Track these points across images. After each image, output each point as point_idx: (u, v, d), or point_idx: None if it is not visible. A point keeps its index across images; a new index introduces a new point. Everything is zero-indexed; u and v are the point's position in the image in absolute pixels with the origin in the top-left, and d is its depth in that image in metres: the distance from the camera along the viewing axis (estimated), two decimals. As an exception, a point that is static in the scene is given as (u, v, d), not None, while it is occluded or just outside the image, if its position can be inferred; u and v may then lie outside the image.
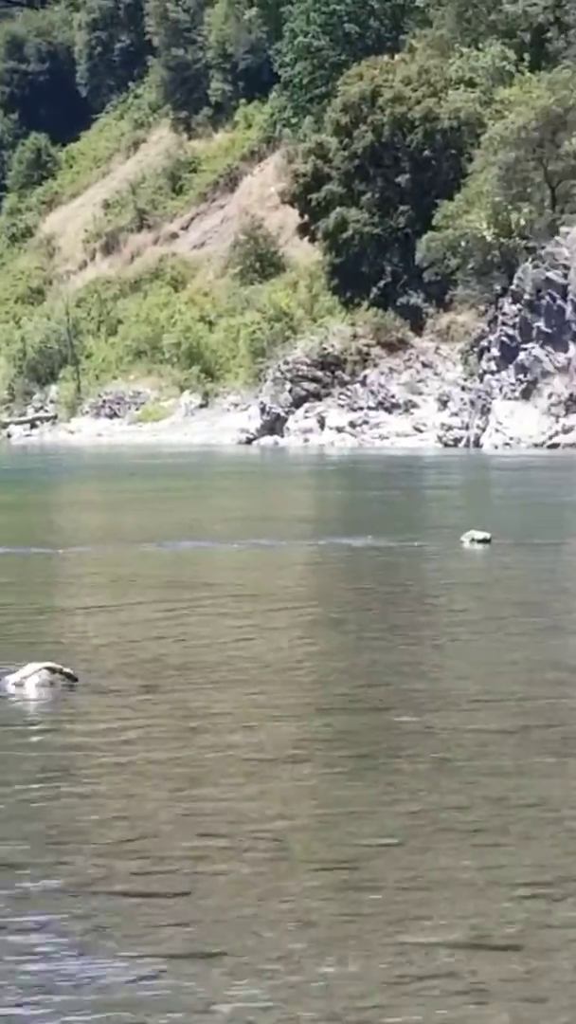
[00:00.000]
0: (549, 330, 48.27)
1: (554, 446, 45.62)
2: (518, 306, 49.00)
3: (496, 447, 47.55)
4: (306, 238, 60.23)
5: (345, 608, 12.86)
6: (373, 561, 16.67)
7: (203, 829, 4.92)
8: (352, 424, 52.36)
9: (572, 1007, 3.38)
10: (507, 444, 47.36)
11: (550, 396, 47.34)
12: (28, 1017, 3.31)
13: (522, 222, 49.97)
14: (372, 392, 53.36)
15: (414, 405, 52.17)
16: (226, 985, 3.74)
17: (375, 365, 53.67)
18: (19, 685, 7.75)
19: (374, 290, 54.76)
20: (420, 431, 50.99)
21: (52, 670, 7.84)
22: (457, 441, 49.36)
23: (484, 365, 50.63)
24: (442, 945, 3.97)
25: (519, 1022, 3.52)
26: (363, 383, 53.14)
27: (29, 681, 7.78)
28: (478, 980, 3.73)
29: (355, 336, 53.95)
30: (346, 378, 53.33)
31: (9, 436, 60.47)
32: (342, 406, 53.80)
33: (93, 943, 3.85)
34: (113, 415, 62.87)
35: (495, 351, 49.73)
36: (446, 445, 49.54)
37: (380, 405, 52.95)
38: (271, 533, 19.58)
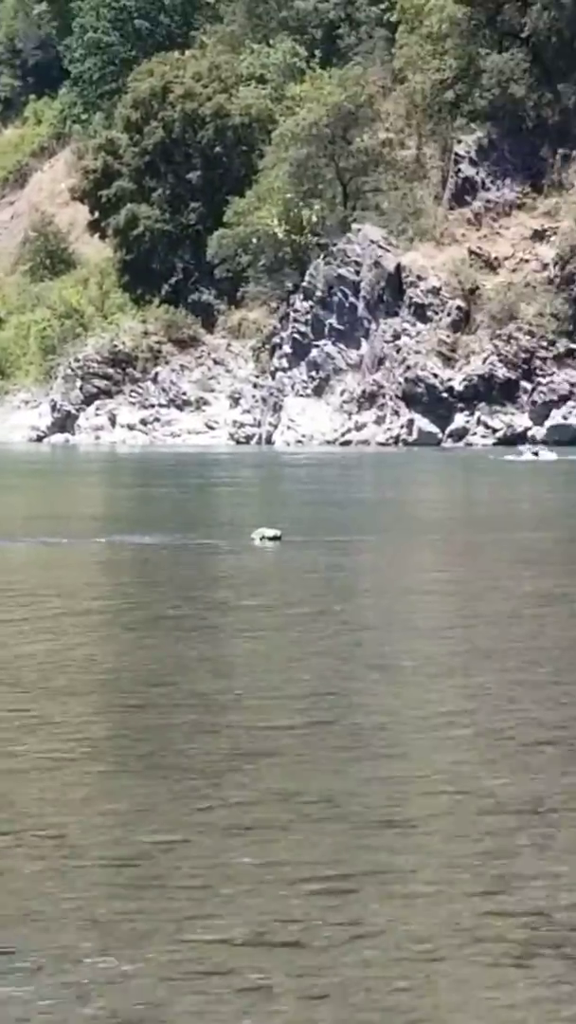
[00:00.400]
0: (341, 327, 49.77)
1: (346, 443, 47.03)
2: (310, 303, 50.36)
3: (288, 444, 48.48)
4: (96, 235, 61.77)
5: (132, 606, 12.61)
6: (162, 558, 16.51)
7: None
8: (143, 422, 54.22)
9: (352, 1004, 3.40)
10: (299, 441, 48.42)
11: (342, 393, 49.15)
12: None
13: (314, 219, 51.21)
14: (164, 389, 54.58)
15: (206, 402, 53.27)
16: (10, 983, 3.66)
17: (166, 362, 54.64)
18: None
19: (165, 287, 55.65)
20: (212, 428, 52.40)
21: None
22: (249, 438, 50.78)
23: (276, 362, 52.41)
24: (225, 942, 3.95)
25: (300, 1018, 3.49)
26: (154, 380, 54.05)
27: None
28: (260, 976, 3.71)
29: (146, 333, 54.71)
30: (137, 375, 54.31)
31: None
32: (133, 403, 55.42)
33: None
34: None
35: (287, 348, 51.08)
36: (238, 442, 50.90)
37: (172, 402, 54.25)
38: (59, 531, 19.09)
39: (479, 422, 45.82)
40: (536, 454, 41.86)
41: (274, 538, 16.48)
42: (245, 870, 4.65)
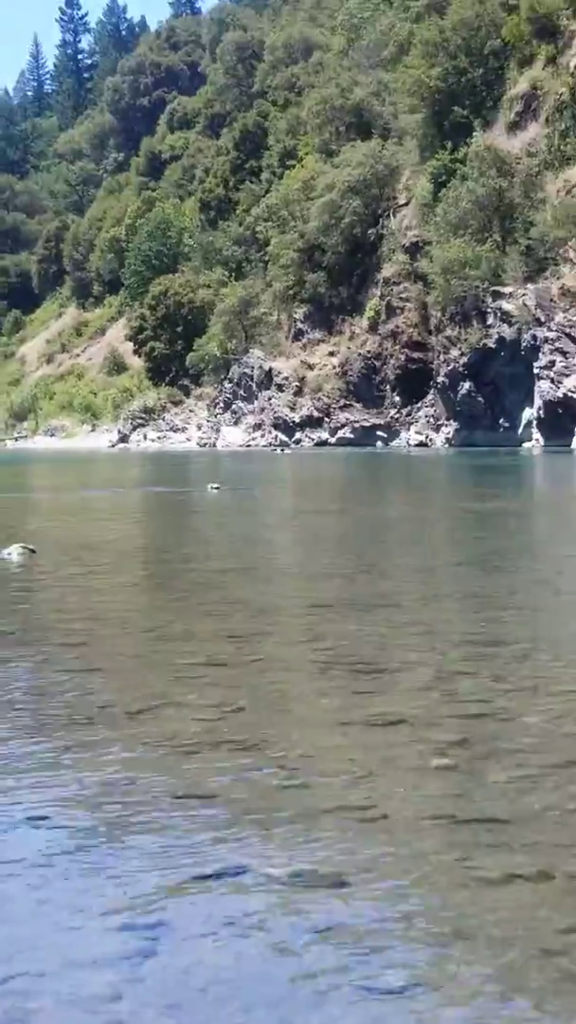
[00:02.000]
0: (245, 395, 75.79)
1: (247, 446, 71.24)
2: (231, 385, 77.24)
3: (223, 447, 72.38)
4: (136, 355, 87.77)
5: (154, 509, 20.05)
6: (166, 496, 23.51)
7: None
8: (159, 438, 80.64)
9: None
10: (227, 446, 72.88)
11: (245, 425, 75.69)
12: None
13: (233, 348, 78.30)
14: (167, 423, 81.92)
15: (186, 429, 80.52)
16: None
17: (167, 411, 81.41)
18: (8, 554, 11.59)
19: (167, 378, 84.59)
20: (189, 440, 78.53)
21: (24, 547, 11.72)
22: (205, 445, 75.98)
23: (217, 411, 78.12)
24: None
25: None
26: (163, 419, 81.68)
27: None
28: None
29: (159, 398, 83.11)
30: (155, 417, 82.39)
31: (6, 444, 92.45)
32: (154, 429, 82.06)
33: None
34: (53, 435, 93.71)
35: (222, 405, 77.47)
36: (200, 446, 74.72)
37: (171, 429, 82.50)
38: (118, 485, 28.69)
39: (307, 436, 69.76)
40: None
41: (216, 487, 22.61)
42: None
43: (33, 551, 11.93)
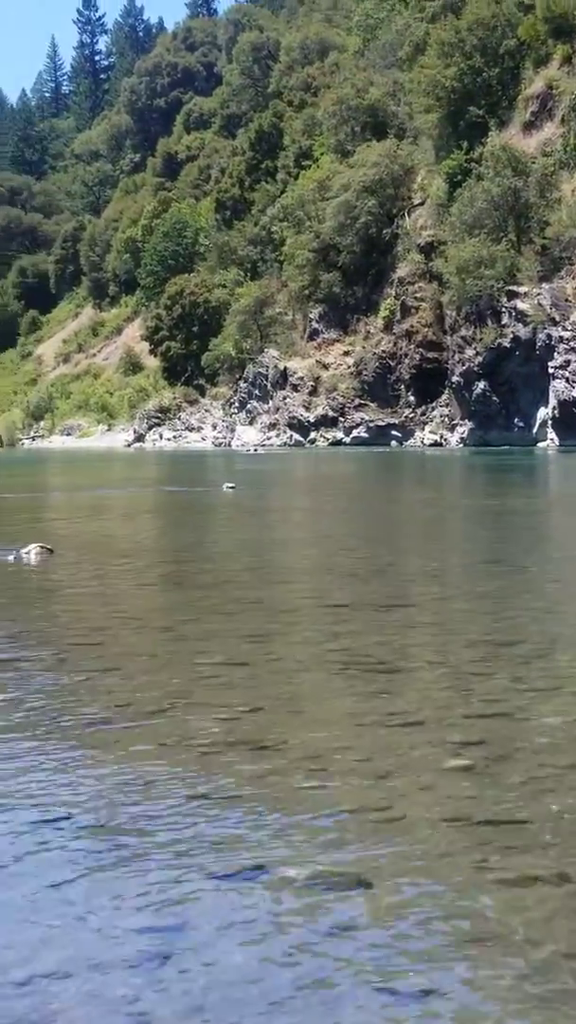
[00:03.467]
0: (259, 394, 75.75)
1: (261, 446, 69.82)
2: (246, 385, 76.33)
3: (238, 447, 71.46)
4: (152, 355, 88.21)
5: (172, 508, 20.28)
6: (182, 495, 23.62)
7: None
8: (174, 437, 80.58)
9: None
10: (242, 445, 71.38)
11: (260, 424, 74.86)
12: None
13: (248, 347, 78.00)
14: (182, 422, 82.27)
15: (201, 428, 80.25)
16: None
17: (182, 411, 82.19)
18: (27, 553, 11.60)
19: (183, 377, 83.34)
20: (204, 439, 78.37)
21: (42, 547, 11.82)
22: (220, 444, 75.85)
23: (232, 411, 78.17)
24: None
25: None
26: (179, 419, 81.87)
27: (31, 552, 11.61)
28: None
29: (174, 398, 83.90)
30: (171, 417, 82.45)
31: (23, 444, 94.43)
32: (169, 429, 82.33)
33: None
34: (68, 434, 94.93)
35: (237, 404, 78.17)
36: (216, 446, 75.28)
37: (186, 428, 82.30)
38: (132, 484, 28.76)
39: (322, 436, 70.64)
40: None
41: (232, 487, 22.69)
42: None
43: (51, 551, 12.10)
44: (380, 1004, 2.84)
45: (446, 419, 62.90)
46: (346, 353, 71.71)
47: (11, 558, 11.86)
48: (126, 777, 4.44)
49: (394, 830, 3.91)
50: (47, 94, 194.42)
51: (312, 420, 70.68)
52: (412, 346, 66.47)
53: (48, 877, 3.53)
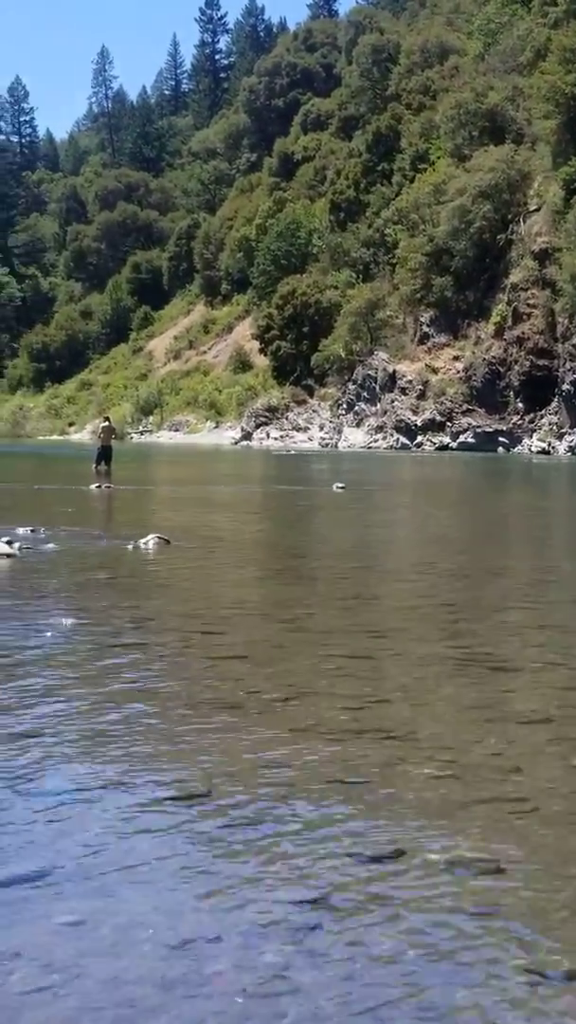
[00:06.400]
0: (368, 396, 75.02)
1: (368, 448, 69.81)
2: (355, 386, 75.30)
3: (345, 448, 71.02)
4: (262, 354, 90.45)
5: (281, 508, 20.35)
6: (293, 494, 23.87)
7: None
8: (281, 436, 79.46)
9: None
10: (349, 447, 71.20)
11: (368, 426, 74.00)
12: None
13: (357, 349, 76.94)
14: (290, 422, 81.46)
15: (308, 428, 79.89)
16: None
17: (291, 411, 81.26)
18: (145, 544, 12.02)
19: (292, 377, 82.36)
20: (311, 440, 77.75)
21: (160, 537, 12.18)
22: (327, 445, 74.72)
23: (340, 412, 77.42)
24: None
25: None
26: (286, 418, 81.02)
27: (149, 541, 12.10)
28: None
29: (283, 397, 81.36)
30: (279, 416, 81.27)
31: (132, 438, 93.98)
32: (277, 428, 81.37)
33: None
34: (176, 430, 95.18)
35: (345, 405, 76.91)
36: (322, 447, 73.82)
37: (294, 428, 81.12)
38: (241, 482, 29.60)
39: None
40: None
41: (343, 487, 23.45)
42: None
43: (168, 541, 12.29)
44: (527, 985, 2.89)
45: (555, 427, 62.51)
46: (456, 358, 71.58)
47: (130, 547, 12.11)
48: (261, 760, 4.53)
49: (528, 821, 3.97)
50: (167, 92, 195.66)
51: (419, 424, 70.56)
52: (523, 353, 65.99)
53: (194, 850, 3.65)
